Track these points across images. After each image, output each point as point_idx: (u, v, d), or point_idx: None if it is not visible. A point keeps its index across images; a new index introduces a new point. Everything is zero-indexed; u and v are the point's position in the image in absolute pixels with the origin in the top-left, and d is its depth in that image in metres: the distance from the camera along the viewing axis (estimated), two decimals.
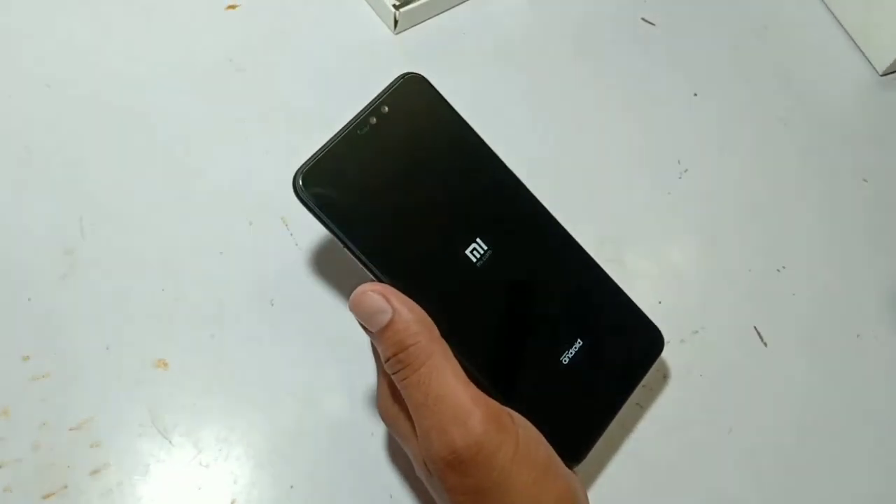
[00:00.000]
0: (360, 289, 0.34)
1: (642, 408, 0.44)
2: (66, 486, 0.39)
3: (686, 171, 0.51)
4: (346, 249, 0.36)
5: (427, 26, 0.54)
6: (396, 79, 0.38)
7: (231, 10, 0.52)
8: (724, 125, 0.54)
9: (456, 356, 0.36)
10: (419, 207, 0.37)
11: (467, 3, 0.55)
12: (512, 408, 0.36)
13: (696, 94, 0.55)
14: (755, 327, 0.47)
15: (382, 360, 0.34)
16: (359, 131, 0.37)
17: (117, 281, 0.43)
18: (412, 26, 0.53)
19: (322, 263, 0.45)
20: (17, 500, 0.38)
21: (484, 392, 0.36)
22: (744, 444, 0.44)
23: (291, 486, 0.40)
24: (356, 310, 0.34)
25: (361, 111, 0.37)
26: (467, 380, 0.33)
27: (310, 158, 0.36)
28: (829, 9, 0.60)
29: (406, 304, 0.34)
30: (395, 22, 0.52)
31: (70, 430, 0.40)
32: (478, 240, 0.37)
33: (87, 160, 0.45)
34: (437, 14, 0.54)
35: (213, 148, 0.47)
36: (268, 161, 0.47)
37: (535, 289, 0.38)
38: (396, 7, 0.51)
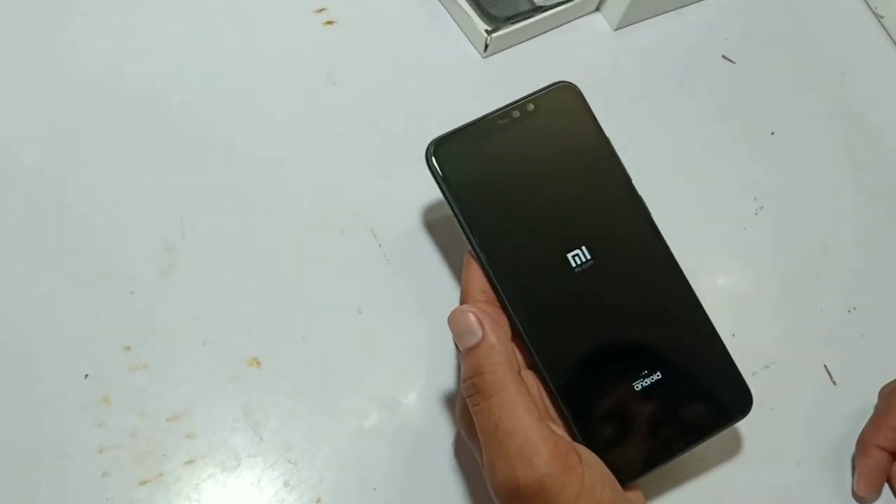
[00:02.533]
0: (460, 307, 0.36)
1: (714, 437, 0.45)
2: (161, 474, 0.40)
3: (762, 207, 0.53)
4: (457, 222, 0.38)
5: (515, 51, 0.55)
6: (552, 83, 0.40)
7: (329, 26, 0.54)
8: (799, 165, 0.55)
9: (526, 348, 0.37)
10: (535, 202, 0.39)
11: (556, 29, 0.56)
12: (568, 412, 0.37)
13: (773, 133, 0.56)
14: (825, 365, 0.48)
15: (462, 380, 0.36)
16: (500, 120, 0.39)
17: (214, 280, 0.45)
18: (501, 50, 0.55)
19: (408, 276, 0.47)
20: (115, 486, 0.40)
21: (547, 392, 0.38)
22: (811, 480, 0.45)
23: (374, 489, 0.41)
24: (451, 325, 0.36)
25: (509, 103, 0.39)
26: (539, 416, 0.34)
27: (447, 132, 0.38)
28: None
29: (496, 333, 0.35)
30: (486, 46, 0.54)
31: (167, 420, 0.41)
32: (583, 247, 0.38)
33: (190, 163, 0.47)
34: (527, 40, 0.56)
35: (308, 158, 0.49)
36: (359, 173, 0.49)
37: (626, 308, 0.39)
38: (489, 32, 0.53)
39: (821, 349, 0.49)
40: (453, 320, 0.36)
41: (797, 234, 0.52)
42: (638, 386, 0.38)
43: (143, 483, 0.40)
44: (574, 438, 0.38)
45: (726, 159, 0.54)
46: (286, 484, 0.41)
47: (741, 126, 0.56)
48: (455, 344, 0.36)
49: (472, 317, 0.35)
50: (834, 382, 0.48)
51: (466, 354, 0.35)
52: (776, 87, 0.58)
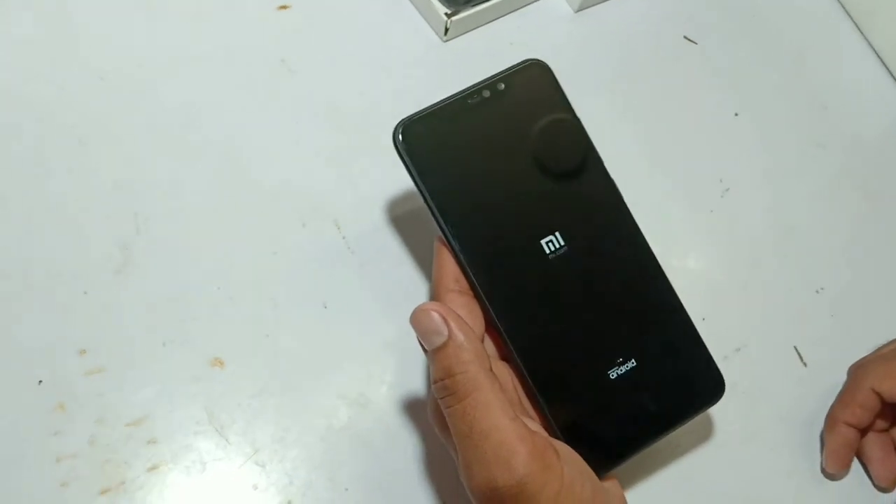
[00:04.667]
0: (421, 305, 0.34)
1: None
2: (123, 483, 0.39)
3: (727, 189, 0.52)
4: (427, 207, 0.37)
5: (476, 34, 0.54)
6: (521, 61, 0.38)
7: (283, 11, 0.52)
8: (764, 146, 0.55)
9: (501, 337, 0.37)
10: (508, 186, 0.37)
11: (516, 12, 0.55)
12: (543, 403, 0.37)
13: (736, 114, 0.55)
14: (795, 347, 0.48)
15: (432, 381, 0.35)
16: (469, 100, 0.37)
17: (172, 278, 0.43)
18: (461, 34, 0.54)
19: (375, 268, 0.45)
20: (75, 496, 0.38)
21: (521, 382, 0.37)
22: (784, 461, 0.45)
23: (346, 489, 0.40)
24: (415, 325, 0.35)
25: (478, 82, 0.38)
26: (514, 415, 0.33)
27: (415, 112, 0.37)
28: (865, 38, 0.61)
29: (463, 330, 0.34)
30: (446, 30, 0.52)
31: (126, 425, 0.40)
32: (557, 234, 0.37)
33: (141, 157, 0.45)
34: (487, 23, 0.54)
35: (266, 149, 0.47)
36: (319, 163, 0.48)
37: (600, 296, 0.38)
38: (448, 16, 0.52)
39: (791, 330, 0.49)
40: (416, 320, 0.34)
41: (763, 215, 0.52)
42: (613, 374, 0.38)
43: (103, 492, 0.38)
44: (549, 429, 0.37)
45: (691, 141, 0.54)
46: (255, 487, 0.40)
47: (705, 107, 0.55)
48: (420, 344, 0.35)
49: (435, 315, 0.34)
50: (805, 364, 0.48)
51: (435, 355, 0.34)
52: (739, 67, 0.57)
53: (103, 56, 0.48)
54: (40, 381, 0.40)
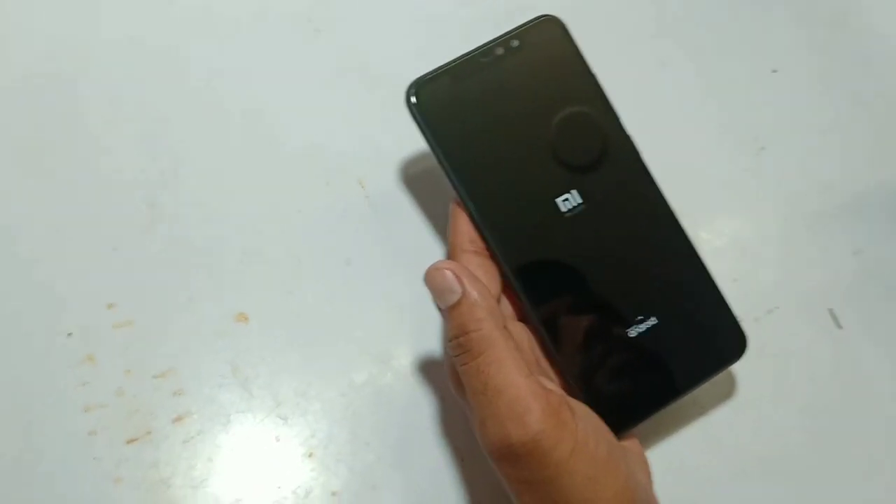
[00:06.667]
0: (434, 264, 0.35)
1: (713, 383, 0.44)
2: (149, 432, 0.40)
3: (763, 148, 0.51)
4: (441, 168, 0.36)
5: None
6: (535, 17, 0.38)
7: None
8: (802, 103, 0.53)
9: (517, 297, 0.36)
10: (523, 144, 0.37)
11: None
12: (561, 362, 0.36)
13: (775, 71, 0.54)
14: (830, 310, 0.47)
15: (447, 339, 0.35)
16: (482, 58, 0.37)
17: (198, 234, 0.44)
18: None
19: (398, 227, 0.45)
20: (102, 444, 0.39)
21: (539, 342, 0.37)
22: (813, 425, 0.44)
23: (367, 444, 0.41)
24: (428, 284, 0.35)
25: (491, 40, 0.37)
26: (529, 372, 0.33)
27: (428, 73, 0.37)
28: None
29: (476, 287, 0.34)
30: None
31: (154, 377, 0.41)
32: (573, 191, 0.37)
33: (169, 115, 0.46)
34: None
35: (291, 108, 0.47)
36: (344, 122, 0.47)
37: (619, 254, 0.38)
38: None
39: (826, 292, 0.47)
40: (430, 278, 0.35)
41: (800, 175, 0.51)
42: (633, 332, 0.37)
43: (130, 441, 0.39)
44: (567, 389, 0.37)
45: (726, 99, 0.52)
46: (277, 439, 0.40)
47: (741, 63, 0.54)
48: (434, 303, 0.35)
49: (448, 273, 0.34)
50: (839, 326, 0.47)
51: (449, 313, 0.34)
52: (778, 21, 0.55)
53: (134, 17, 0.48)
54: (70, 334, 0.41)
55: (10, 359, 0.40)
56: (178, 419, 0.40)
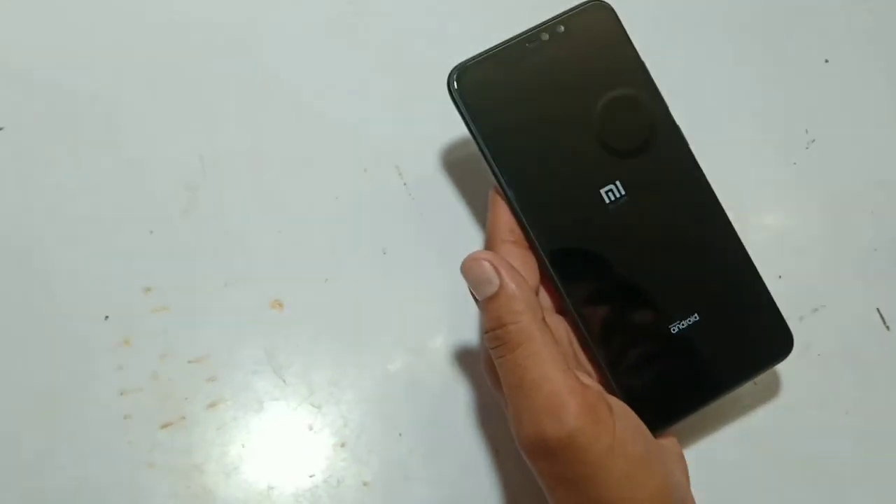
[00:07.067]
0: (472, 254, 0.34)
1: (755, 382, 0.43)
2: (183, 417, 0.40)
3: (813, 141, 0.49)
4: (481, 156, 0.36)
5: None
6: (583, 2, 0.37)
7: None
8: (854, 95, 0.51)
9: (557, 290, 0.35)
10: (566, 132, 0.36)
11: None
12: (600, 357, 0.35)
13: (826, 61, 0.52)
14: (878, 309, 0.45)
15: (483, 331, 0.34)
16: (528, 44, 0.36)
17: (236, 220, 0.43)
18: None
19: (435, 215, 0.45)
20: (137, 428, 0.39)
21: (578, 336, 0.36)
22: (859, 427, 0.43)
23: (400, 435, 0.40)
24: (466, 275, 0.34)
25: (536, 25, 0.36)
26: (566, 367, 0.32)
27: (471, 57, 0.36)
28: None
29: (515, 279, 0.33)
30: None
31: (189, 362, 0.41)
32: (617, 182, 0.36)
33: (209, 99, 0.46)
34: None
35: (331, 93, 0.47)
36: (383, 109, 0.47)
37: (662, 248, 0.37)
38: None
39: (875, 292, 0.46)
40: (467, 269, 0.34)
41: (851, 169, 0.49)
42: (674, 328, 0.36)
43: (164, 426, 0.39)
44: (606, 384, 0.36)
45: (775, 90, 0.51)
46: (310, 428, 0.40)
47: (791, 52, 0.52)
48: (471, 293, 0.34)
49: (486, 264, 0.33)
50: (887, 327, 0.45)
51: (486, 305, 0.33)
52: (830, 8, 0.53)
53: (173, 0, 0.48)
54: (106, 317, 0.41)
55: (46, 341, 0.40)
56: (212, 405, 0.40)
